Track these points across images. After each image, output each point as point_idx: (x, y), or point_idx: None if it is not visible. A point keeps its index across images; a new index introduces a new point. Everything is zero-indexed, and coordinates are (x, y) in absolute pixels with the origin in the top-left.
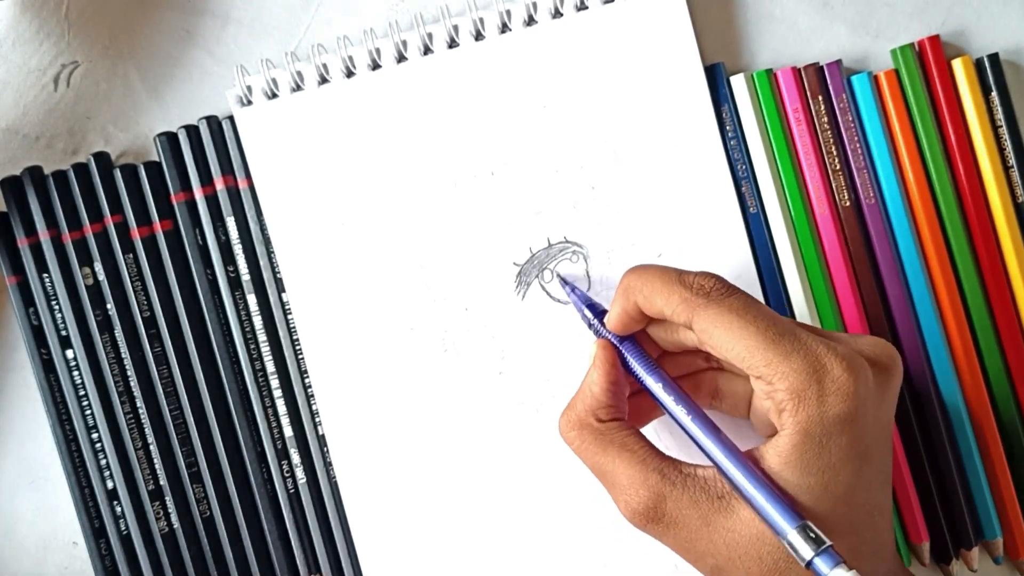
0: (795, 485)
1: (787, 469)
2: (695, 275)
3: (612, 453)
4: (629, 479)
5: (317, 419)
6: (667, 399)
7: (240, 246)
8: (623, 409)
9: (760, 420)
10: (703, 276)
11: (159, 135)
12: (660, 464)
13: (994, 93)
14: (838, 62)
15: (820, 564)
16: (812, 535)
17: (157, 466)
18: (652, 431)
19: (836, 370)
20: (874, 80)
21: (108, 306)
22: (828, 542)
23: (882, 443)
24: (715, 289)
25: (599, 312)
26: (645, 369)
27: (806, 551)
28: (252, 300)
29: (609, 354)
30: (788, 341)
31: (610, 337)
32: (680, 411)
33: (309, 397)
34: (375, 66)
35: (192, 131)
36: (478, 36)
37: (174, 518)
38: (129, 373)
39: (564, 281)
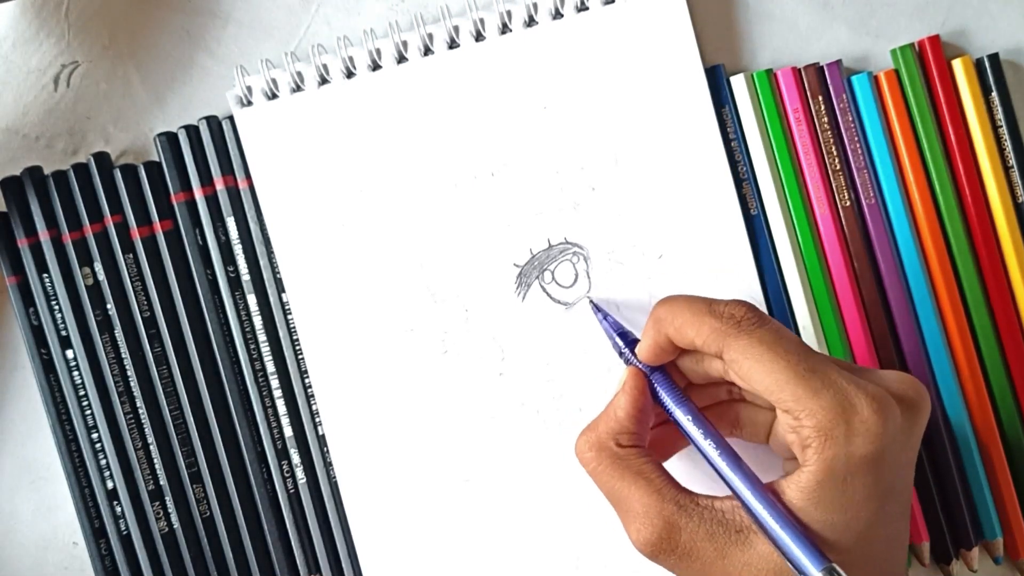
0: (817, 521)
1: (809, 505)
2: (725, 304)
3: (628, 479)
4: (644, 507)
5: (317, 419)
6: (695, 432)
7: (240, 246)
8: (644, 438)
9: (781, 447)
10: (734, 305)
11: (159, 135)
12: (677, 495)
13: (994, 93)
14: (838, 62)
15: None
16: None
17: (157, 466)
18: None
19: (865, 410)
20: (874, 80)
21: (108, 306)
22: None
23: (905, 479)
24: (746, 319)
25: (630, 341)
26: (674, 401)
27: None
28: (252, 300)
29: (639, 382)
30: (818, 377)
31: (641, 367)
32: (708, 445)
33: (309, 397)
34: (375, 67)
35: (192, 131)
36: (478, 37)
37: (174, 518)
38: (129, 373)
39: (596, 307)
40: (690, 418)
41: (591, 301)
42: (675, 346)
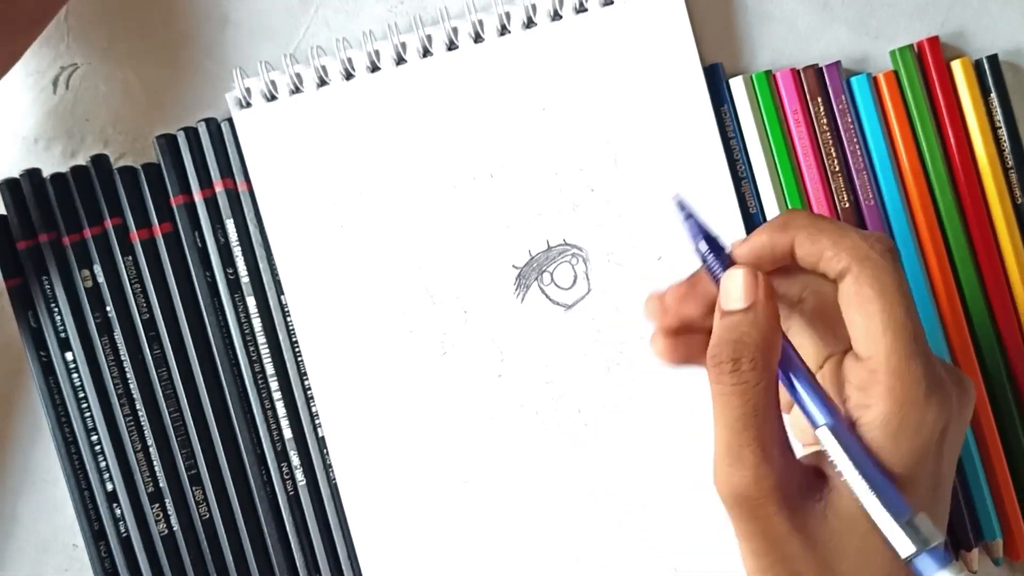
0: (894, 453)
1: (888, 443)
2: (870, 232)
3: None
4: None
5: (316, 421)
6: (808, 402)
7: (239, 248)
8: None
9: (803, 430)
10: (881, 235)
11: (158, 137)
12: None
13: (993, 94)
14: (837, 63)
15: (925, 563)
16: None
17: (156, 468)
18: None
19: (967, 383)
20: (873, 81)
21: (107, 308)
22: (941, 536)
23: (951, 461)
24: (890, 251)
25: (716, 248)
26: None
27: (913, 547)
28: (251, 302)
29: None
30: (921, 346)
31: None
32: (809, 400)
33: (308, 399)
34: (374, 68)
35: (191, 133)
36: (477, 38)
37: (173, 520)
38: (128, 375)
39: (682, 206)
40: (804, 387)
41: (677, 200)
42: (781, 259)
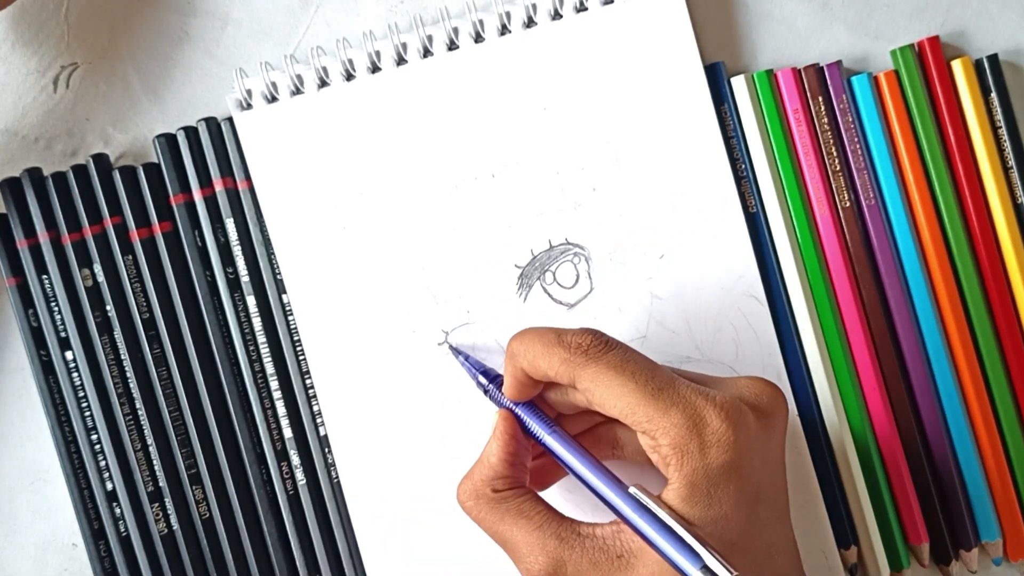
0: (687, 509)
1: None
2: (572, 334)
3: (509, 521)
4: (528, 546)
5: (317, 420)
6: (568, 457)
7: (239, 247)
8: (522, 478)
9: None
10: (580, 334)
11: (158, 137)
12: (558, 528)
13: (993, 94)
14: (838, 63)
15: None
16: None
17: (156, 468)
18: (560, 492)
19: (715, 421)
20: (874, 81)
21: (107, 308)
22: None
23: (773, 482)
24: (592, 346)
25: (494, 378)
26: (545, 431)
27: None
28: (251, 301)
29: (509, 425)
30: (667, 395)
31: (507, 403)
32: (581, 467)
33: (309, 398)
34: (375, 69)
35: (191, 133)
36: (478, 38)
37: (173, 520)
38: (128, 375)
39: (456, 351)
40: (561, 444)
41: (450, 345)
42: (535, 380)
